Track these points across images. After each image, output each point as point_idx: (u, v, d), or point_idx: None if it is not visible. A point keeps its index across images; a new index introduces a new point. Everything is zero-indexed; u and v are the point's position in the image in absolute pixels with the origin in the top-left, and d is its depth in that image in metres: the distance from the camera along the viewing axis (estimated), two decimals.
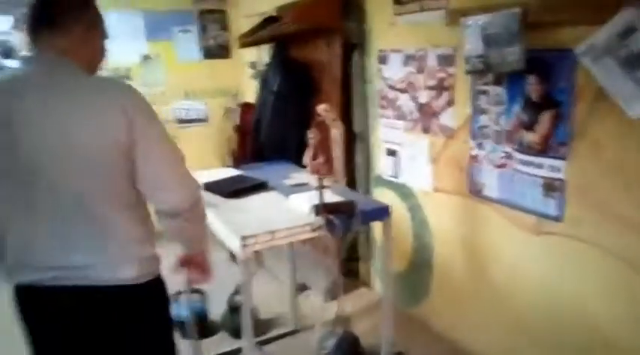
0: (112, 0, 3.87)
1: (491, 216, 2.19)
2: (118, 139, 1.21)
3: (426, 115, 2.47)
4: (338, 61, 2.86)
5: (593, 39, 1.60)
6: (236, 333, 2.71)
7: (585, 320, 1.85)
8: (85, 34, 1.31)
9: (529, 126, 1.94)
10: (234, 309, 2.75)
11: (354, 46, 2.88)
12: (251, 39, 3.40)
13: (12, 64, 3.58)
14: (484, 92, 2.11)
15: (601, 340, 1.80)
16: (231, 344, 2.59)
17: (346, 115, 3.00)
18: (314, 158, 2.19)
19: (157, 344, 1.44)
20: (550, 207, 1.90)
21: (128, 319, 1.33)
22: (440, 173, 2.46)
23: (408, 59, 2.51)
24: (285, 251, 2.76)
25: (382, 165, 2.87)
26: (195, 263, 1.51)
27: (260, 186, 1.99)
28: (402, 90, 2.60)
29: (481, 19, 1.94)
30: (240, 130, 3.98)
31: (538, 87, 1.87)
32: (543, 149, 1.89)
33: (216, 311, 2.80)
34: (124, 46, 4.00)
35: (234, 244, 1.55)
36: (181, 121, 4.36)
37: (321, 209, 1.62)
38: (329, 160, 2.18)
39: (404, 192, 2.73)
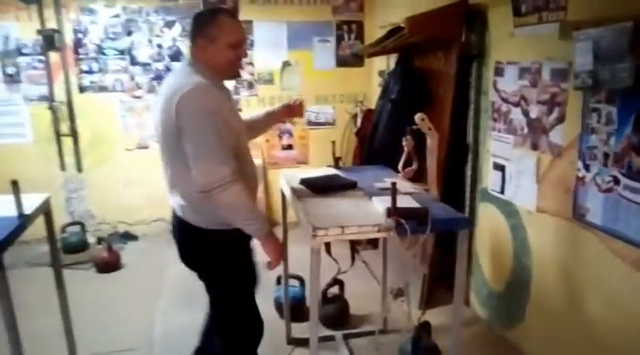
0: (261, 12, 4.37)
1: (594, 244, 2.03)
2: (172, 130, 1.65)
3: (536, 131, 2.36)
4: (454, 71, 2.86)
5: None
6: (326, 322, 2.89)
7: None
8: (205, 45, 1.73)
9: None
10: (327, 300, 2.94)
11: (473, 56, 2.86)
12: (377, 49, 3.55)
13: (176, 65, 4.27)
14: (595, 110, 1.97)
15: None
16: (321, 332, 2.74)
17: (461, 127, 2.98)
18: (407, 164, 2.24)
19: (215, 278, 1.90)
20: None
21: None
22: (545, 192, 2.33)
23: (523, 72, 2.42)
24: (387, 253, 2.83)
25: (489, 180, 2.79)
26: (263, 248, 1.80)
27: (349, 186, 2.11)
28: (515, 104, 2.51)
29: (592, 32, 1.83)
30: (360, 135, 4.14)
31: None
32: None
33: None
34: (269, 53, 4.46)
35: (308, 234, 1.71)
36: (310, 123, 4.71)
37: (393, 212, 1.69)
38: (421, 168, 2.21)
39: (508, 210, 2.63)
